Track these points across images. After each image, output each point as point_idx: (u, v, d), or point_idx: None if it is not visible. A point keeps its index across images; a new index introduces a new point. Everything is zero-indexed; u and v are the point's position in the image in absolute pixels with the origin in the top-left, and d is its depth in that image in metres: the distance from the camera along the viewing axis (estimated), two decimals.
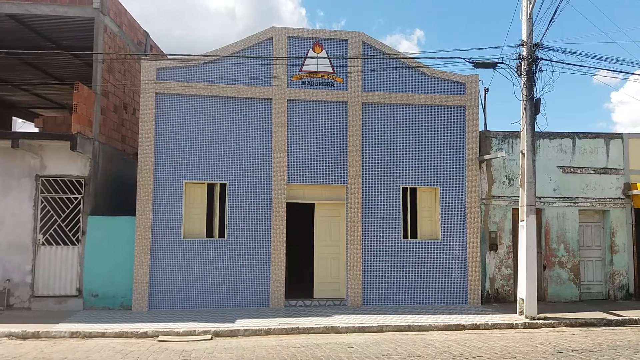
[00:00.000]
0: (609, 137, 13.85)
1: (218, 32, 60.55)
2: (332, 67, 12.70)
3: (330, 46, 12.70)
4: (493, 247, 13.05)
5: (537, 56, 11.55)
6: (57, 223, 11.79)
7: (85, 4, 12.19)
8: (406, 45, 63.95)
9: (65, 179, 11.88)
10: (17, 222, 11.63)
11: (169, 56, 13.84)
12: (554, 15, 11.12)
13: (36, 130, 15.14)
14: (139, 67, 13.29)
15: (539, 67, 11.59)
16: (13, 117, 21.22)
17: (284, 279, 12.15)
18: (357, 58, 12.63)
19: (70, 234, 11.81)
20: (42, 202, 11.77)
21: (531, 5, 11.52)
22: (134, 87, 14.26)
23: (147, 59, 12.57)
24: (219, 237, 12.14)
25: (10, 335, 9.30)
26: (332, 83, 12.67)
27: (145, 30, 15.34)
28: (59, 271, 11.71)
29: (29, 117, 21.42)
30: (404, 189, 12.86)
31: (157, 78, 12.07)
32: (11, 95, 18.95)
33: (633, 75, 13.60)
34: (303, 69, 12.59)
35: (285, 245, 12.24)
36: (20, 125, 22.10)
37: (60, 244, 11.77)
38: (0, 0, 11.95)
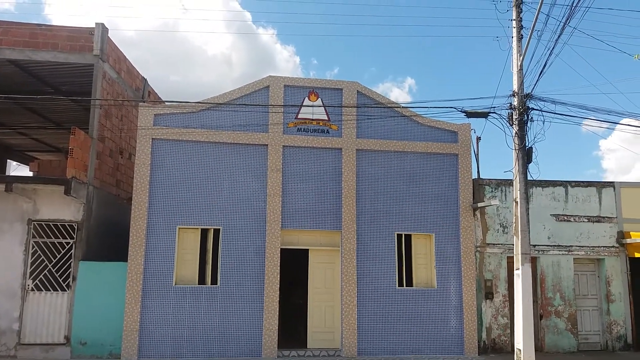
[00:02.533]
0: (600, 185, 13.99)
1: (214, 78, 61.67)
2: (327, 114, 12.90)
3: (325, 95, 12.94)
4: (489, 295, 12.92)
5: (529, 106, 11.78)
6: (48, 268, 11.61)
7: (86, 51, 12.43)
8: (397, 92, 65.25)
9: (58, 223, 11.78)
10: (6, 267, 11.45)
11: (166, 103, 14.02)
12: (543, 67, 11.43)
13: (30, 174, 15.13)
14: (137, 113, 13.45)
15: (530, 117, 11.80)
16: (8, 160, 21.21)
17: (277, 328, 11.91)
18: (351, 107, 12.85)
19: (60, 280, 11.61)
20: (33, 246, 11.63)
21: (521, 58, 11.84)
22: (131, 132, 14.38)
23: (145, 105, 12.74)
24: (211, 283, 11.97)
25: None
26: (327, 130, 12.84)
27: (143, 77, 15.60)
28: (48, 318, 11.45)
29: (24, 160, 21.44)
30: (399, 236, 12.82)
31: (154, 124, 12.20)
32: (7, 139, 19.02)
33: (619, 125, 13.90)
34: (299, 116, 12.78)
35: (278, 292, 12.06)
36: (15, 168, 22.08)
37: (49, 290, 11.55)
38: (2, 45, 12.19)
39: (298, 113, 12.78)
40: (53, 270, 11.62)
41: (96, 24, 12.54)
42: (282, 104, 12.66)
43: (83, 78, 13.16)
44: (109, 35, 12.78)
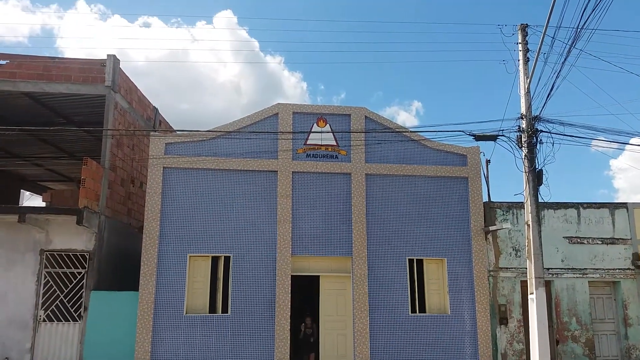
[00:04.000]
0: (613, 207, 13.85)
1: (224, 105, 62.38)
2: (335, 140, 12.97)
3: (333, 120, 13.04)
4: (503, 321, 12.72)
5: (537, 128, 11.77)
6: (60, 299, 11.63)
7: (98, 82, 12.67)
8: (405, 116, 65.54)
9: (70, 253, 11.85)
10: (18, 297, 11.50)
11: (177, 131, 14.22)
12: (551, 90, 11.44)
13: (43, 204, 15.28)
14: (148, 142, 13.61)
15: (539, 139, 11.78)
16: (21, 190, 21.46)
17: (289, 357, 11.77)
18: (359, 132, 12.92)
19: (72, 310, 11.62)
20: (45, 277, 11.68)
21: (528, 80, 11.88)
22: (142, 161, 14.53)
23: (156, 134, 12.89)
24: (222, 312, 11.90)
25: None
26: (336, 155, 12.89)
27: (154, 106, 15.83)
28: (59, 349, 11.44)
29: (36, 189, 21.67)
30: (410, 261, 12.72)
31: (165, 153, 12.32)
32: (21, 169, 19.28)
33: (629, 145, 13.84)
34: (308, 142, 12.85)
35: (289, 320, 11.96)
36: (28, 198, 22.33)
37: (61, 320, 11.56)
38: (16, 79, 12.45)
39: (307, 139, 12.87)
40: (65, 301, 11.65)
41: (108, 55, 12.80)
42: (291, 130, 12.76)
43: (95, 108, 13.38)
44: (120, 66, 13.03)
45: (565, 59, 11.28)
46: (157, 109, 15.94)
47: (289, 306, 11.98)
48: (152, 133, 12.99)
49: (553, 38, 11.57)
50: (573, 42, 11.18)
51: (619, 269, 13.43)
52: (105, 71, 12.73)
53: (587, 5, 9.83)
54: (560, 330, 12.94)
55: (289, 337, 11.86)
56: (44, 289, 11.62)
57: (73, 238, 11.86)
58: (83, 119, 14.42)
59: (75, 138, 15.49)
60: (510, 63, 12.41)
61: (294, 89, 68.19)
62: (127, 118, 13.67)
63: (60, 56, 13.56)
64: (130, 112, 13.89)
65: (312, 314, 12.52)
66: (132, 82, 14.17)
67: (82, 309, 11.60)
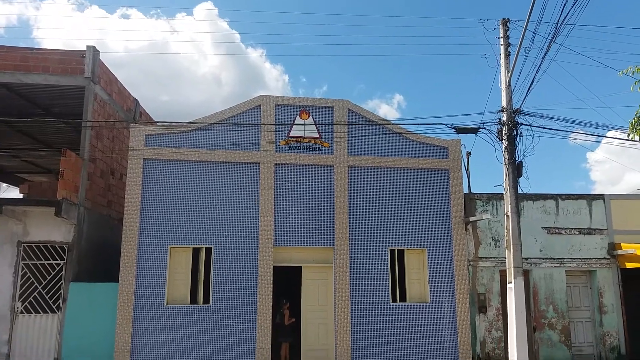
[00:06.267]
0: (591, 198, 14.12)
1: (204, 97, 61.98)
2: (318, 132, 12.99)
3: (316, 113, 13.05)
4: (482, 309, 12.91)
5: (517, 121, 11.93)
6: (38, 290, 11.50)
7: (77, 74, 12.49)
8: (386, 109, 65.79)
9: (49, 245, 11.71)
10: None
11: (158, 123, 14.06)
12: (531, 84, 11.59)
13: (20, 195, 15.06)
14: (128, 133, 13.48)
15: (519, 132, 11.94)
16: None
17: (270, 346, 11.81)
18: (342, 124, 12.96)
19: (50, 302, 11.49)
20: (22, 268, 11.53)
21: (509, 74, 12.03)
22: (122, 153, 14.39)
23: (136, 125, 12.77)
24: (203, 302, 11.88)
25: None
26: (319, 147, 12.92)
27: (135, 98, 15.67)
28: (37, 340, 11.30)
29: (14, 181, 21.33)
30: (392, 251, 12.83)
31: (146, 144, 12.22)
32: None
33: (606, 138, 14.14)
34: (290, 135, 12.85)
35: (271, 310, 12.00)
36: (5, 189, 21.98)
37: (39, 312, 11.43)
38: None
39: (290, 131, 12.87)
40: (43, 292, 11.52)
41: (87, 47, 12.63)
42: (274, 122, 12.74)
43: (74, 100, 13.20)
44: (100, 57, 12.87)
45: (545, 54, 11.44)
46: (137, 101, 15.78)
47: (271, 297, 12.01)
48: (132, 124, 12.86)
49: (534, 33, 11.73)
50: (553, 37, 11.34)
51: (595, 258, 13.72)
52: (84, 62, 12.55)
53: (567, 1, 10.00)
54: (538, 317, 13.18)
55: (270, 327, 11.90)
56: (21, 280, 11.47)
57: (52, 230, 11.72)
58: (62, 110, 14.21)
59: (54, 129, 15.27)
60: (492, 57, 12.57)
61: (275, 81, 68.00)
62: (107, 109, 13.52)
63: (37, 47, 13.32)
64: (110, 103, 13.73)
65: (289, 303, 12.58)
66: (112, 73, 14.00)
67: (60, 301, 11.48)
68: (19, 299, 11.40)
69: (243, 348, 11.70)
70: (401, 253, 12.93)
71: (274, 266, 12.23)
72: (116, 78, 14.26)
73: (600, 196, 14.18)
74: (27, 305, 11.42)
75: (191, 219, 12.10)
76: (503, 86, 12.18)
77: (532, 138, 11.86)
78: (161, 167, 12.24)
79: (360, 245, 12.64)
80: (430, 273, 12.77)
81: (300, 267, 12.59)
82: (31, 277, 11.53)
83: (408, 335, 12.34)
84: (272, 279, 12.09)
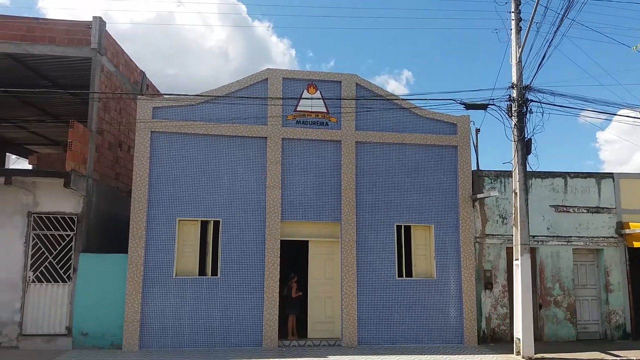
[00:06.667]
0: (600, 176, 14.02)
1: (211, 71, 61.56)
2: (326, 107, 12.90)
3: (324, 87, 12.93)
4: (488, 286, 12.98)
5: (527, 98, 11.79)
6: (48, 260, 11.64)
7: (83, 44, 12.38)
8: (394, 85, 65.20)
9: (58, 216, 11.80)
10: (7, 259, 11.46)
11: (165, 95, 14.01)
12: (542, 59, 11.44)
13: (30, 167, 15.13)
14: (135, 106, 13.43)
15: (529, 109, 11.81)
16: (7, 154, 21.22)
17: (277, 318, 11.96)
18: (350, 99, 12.85)
19: (61, 272, 11.64)
20: (33, 239, 11.65)
21: (520, 50, 11.85)
22: (130, 125, 14.37)
23: (143, 98, 12.72)
24: (211, 275, 12.00)
25: None
26: (326, 122, 12.84)
27: (141, 70, 15.57)
28: (49, 309, 11.49)
29: (23, 153, 21.43)
30: (399, 227, 12.85)
31: (153, 117, 12.19)
32: (6, 132, 19.02)
33: (617, 116, 13.93)
34: (297, 109, 12.77)
35: (279, 283, 12.11)
36: (14, 161, 22.08)
37: (50, 282, 11.58)
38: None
39: (297, 105, 12.78)
40: (54, 262, 11.66)
41: (94, 17, 12.49)
42: (281, 96, 12.65)
43: (81, 71, 13.13)
44: (106, 29, 12.74)
45: (557, 28, 11.25)
46: (144, 73, 15.68)
47: (279, 270, 12.11)
48: (139, 97, 12.81)
49: (546, 7, 11.53)
50: (565, 12, 11.14)
51: (603, 237, 13.69)
52: (90, 33, 12.42)
53: None
54: (544, 295, 13.24)
55: (278, 300, 12.03)
56: (32, 250, 11.60)
57: (61, 201, 11.79)
58: (69, 81, 14.15)
59: (61, 101, 15.25)
60: (503, 32, 12.39)
61: (282, 55, 67.38)
62: (114, 81, 13.45)
63: (43, 17, 13.18)
64: (117, 75, 13.66)
65: (298, 276, 12.72)
66: (119, 45, 13.88)
67: (71, 271, 11.62)
68: (31, 268, 11.55)
69: (251, 319, 11.85)
70: (408, 229, 12.95)
71: (281, 240, 12.30)
72: (123, 50, 14.15)
73: (610, 175, 14.08)
74: (39, 274, 11.58)
75: (199, 193, 12.14)
76: (513, 62, 12.00)
77: (542, 115, 11.76)
78: (169, 140, 12.23)
79: (367, 220, 12.66)
80: (437, 249, 12.81)
81: (307, 241, 12.65)
82: (42, 247, 11.66)
83: (414, 310, 12.45)
84: (279, 252, 12.17)
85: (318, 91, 12.91)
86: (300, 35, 64.30)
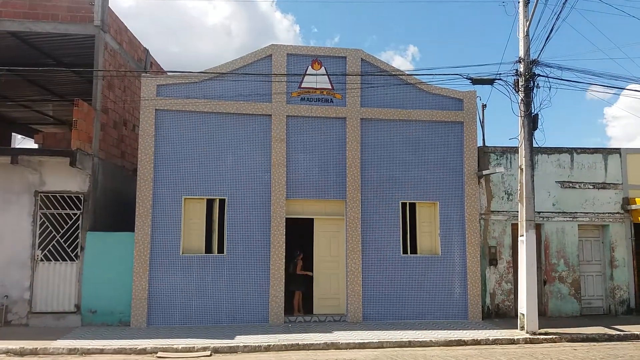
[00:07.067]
0: (607, 152, 13.92)
1: (214, 48, 61.12)
2: (330, 83, 12.79)
3: (328, 63, 12.81)
4: (493, 262, 13.02)
5: (535, 72, 11.64)
6: (56, 239, 11.75)
7: (86, 22, 12.29)
8: (400, 61, 64.50)
9: (65, 194, 11.87)
10: (15, 238, 11.59)
11: (169, 73, 13.93)
12: (550, 32, 11.26)
13: (35, 146, 15.18)
14: (139, 84, 13.38)
15: (536, 84, 11.67)
16: (12, 133, 21.27)
17: (283, 294, 12.08)
18: (355, 75, 12.72)
19: (68, 250, 11.77)
20: (40, 217, 11.75)
21: (528, 23, 11.65)
22: (134, 103, 14.33)
23: (147, 75, 12.65)
24: (217, 252, 12.10)
25: (8, 352, 9.22)
26: (331, 99, 12.75)
27: (145, 48, 15.46)
28: (57, 287, 11.65)
29: (28, 133, 21.47)
30: (403, 204, 12.86)
31: (157, 94, 12.14)
32: (11, 112, 19.02)
33: (625, 90, 13.74)
34: (302, 86, 12.68)
35: (284, 260, 12.20)
36: (20, 141, 22.15)
37: (58, 260, 11.72)
38: (2, 17, 12.06)
39: (301, 82, 12.68)
40: (61, 241, 11.77)
41: None
42: (285, 73, 12.54)
43: (84, 49, 13.03)
44: (109, 5, 12.62)
45: (565, 0, 11.02)
46: (148, 50, 15.57)
47: (284, 247, 12.18)
48: (143, 74, 12.75)
49: None
50: None
51: (608, 213, 13.66)
52: (93, 10, 12.31)
53: None
54: (548, 271, 13.29)
55: (283, 277, 12.13)
56: (40, 229, 11.71)
57: (67, 180, 11.85)
58: (72, 60, 14.07)
59: (65, 80, 15.17)
60: (510, 4, 12.16)
61: (286, 32, 66.71)
62: (118, 59, 13.37)
63: None
64: (121, 53, 13.57)
65: (303, 254, 12.82)
66: (122, 22, 13.76)
67: (78, 249, 11.74)
68: (39, 247, 11.67)
69: (257, 296, 11.98)
70: (412, 206, 12.95)
71: (286, 218, 12.34)
72: (126, 27, 14.03)
73: (617, 150, 13.98)
74: (47, 253, 11.71)
75: (204, 171, 12.16)
76: (521, 35, 11.82)
77: (549, 90, 11.61)
78: (173, 117, 12.20)
79: (372, 198, 12.66)
80: (442, 226, 12.82)
81: (313, 219, 12.69)
82: (49, 226, 11.76)
83: (418, 286, 12.53)
84: (284, 230, 12.23)
85: (323, 67, 12.79)
86: (304, 10, 63.52)
